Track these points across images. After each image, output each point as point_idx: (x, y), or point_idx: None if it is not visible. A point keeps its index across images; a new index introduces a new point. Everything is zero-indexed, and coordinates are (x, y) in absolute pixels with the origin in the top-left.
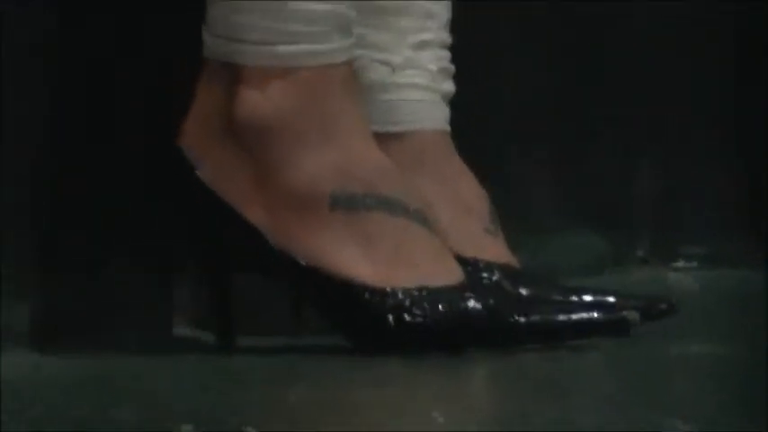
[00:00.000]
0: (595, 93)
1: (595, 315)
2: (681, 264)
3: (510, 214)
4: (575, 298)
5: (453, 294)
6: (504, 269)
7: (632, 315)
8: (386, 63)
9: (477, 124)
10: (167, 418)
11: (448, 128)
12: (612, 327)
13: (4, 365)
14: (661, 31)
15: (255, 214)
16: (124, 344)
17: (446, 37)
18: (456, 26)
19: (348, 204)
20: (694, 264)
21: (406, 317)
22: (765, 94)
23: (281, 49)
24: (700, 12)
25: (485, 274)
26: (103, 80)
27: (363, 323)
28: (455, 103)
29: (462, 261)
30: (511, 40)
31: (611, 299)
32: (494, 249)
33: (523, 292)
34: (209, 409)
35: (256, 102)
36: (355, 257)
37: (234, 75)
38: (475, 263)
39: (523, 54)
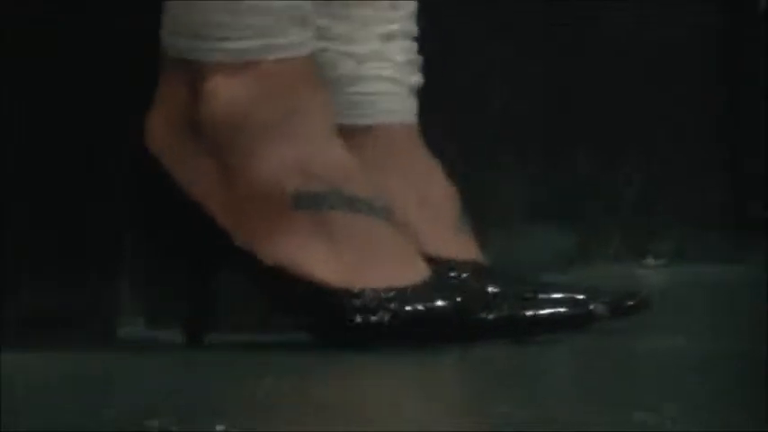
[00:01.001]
0: (569, 91)
1: (563, 310)
2: (650, 260)
3: (479, 211)
4: (543, 295)
5: (420, 293)
6: (472, 266)
7: (599, 308)
8: (351, 55)
9: (449, 122)
10: (137, 415)
11: (415, 121)
12: (580, 321)
13: None
14: (649, 32)
15: (220, 213)
16: (93, 342)
17: (412, 28)
18: (433, 21)
19: (311, 203)
20: (663, 260)
21: (373, 317)
22: (759, 95)
23: (238, 44)
24: (684, 12)
25: (452, 273)
26: (69, 79)
27: (330, 324)
28: (428, 101)
29: (430, 260)
30: (490, 40)
31: (580, 295)
32: (462, 247)
33: (491, 289)
34: (179, 405)
35: (217, 98)
36: (320, 257)
37: (194, 72)
38: (443, 261)
39: (500, 54)
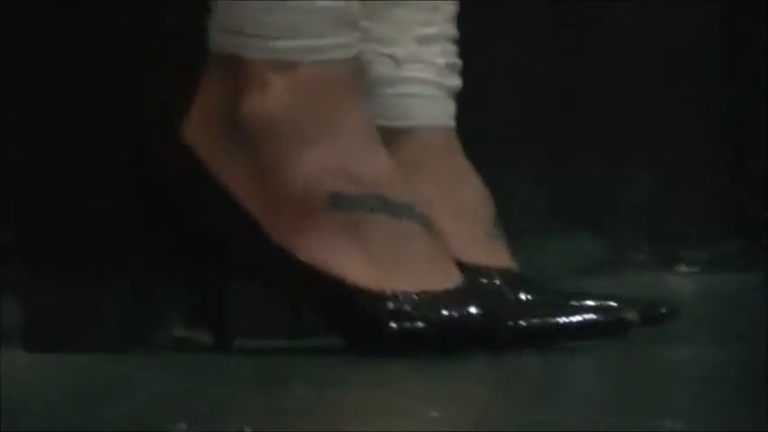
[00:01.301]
0: (593, 96)
1: (595, 317)
2: (680, 268)
3: (507, 218)
4: (575, 302)
5: (453, 298)
6: (505, 274)
7: (632, 315)
8: (391, 57)
9: (471, 128)
10: (163, 418)
11: (452, 124)
12: (612, 328)
13: None
14: (652, 33)
15: (257, 210)
16: (120, 344)
17: (452, 31)
18: None
19: (349, 205)
20: (694, 268)
21: (406, 321)
22: (761, 96)
23: (282, 43)
24: (689, 13)
25: (484, 280)
26: (95, 73)
27: (362, 326)
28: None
29: (461, 266)
30: (503, 45)
31: (612, 303)
32: (495, 254)
33: (523, 297)
34: (206, 409)
35: (259, 97)
36: (355, 260)
37: (238, 69)
38: (475, 268)
39: (516, 59)
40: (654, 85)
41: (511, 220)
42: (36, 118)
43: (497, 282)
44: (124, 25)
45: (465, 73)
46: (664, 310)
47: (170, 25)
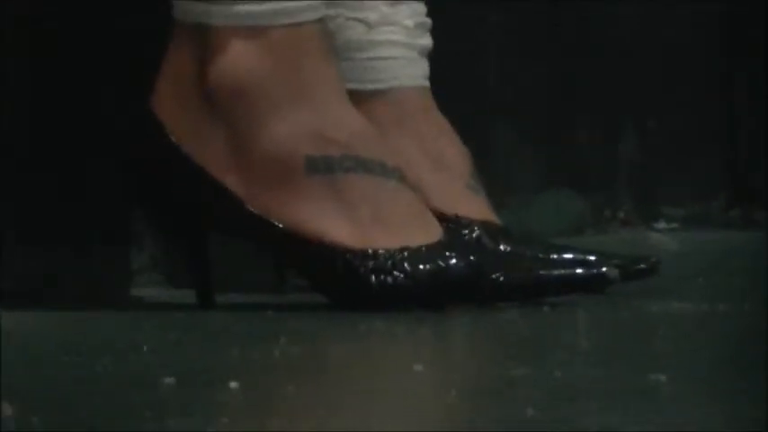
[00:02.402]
0: (579, 60)
1: (576, 271)
2: (661, 225)
3: (493, 176)
4: (555, 255)
5: (434, 253)
6: (485, 226)
7: (612, 271)
8: (361, 21)
9: (462, 91)
10: (152, 373)
11: (427, 84)
12: (592, 283)
13: None
14: (643, 4)
15: (232, 179)
16: (109, 303)
17: None
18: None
19: (325, 167)
20: (674, 225)
21: (388, 278)
22: (744, 62)
23: (248, 7)
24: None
25: (465, 231)
26: (71, 43)
27: (344, 284)
28: (441, 72)
29: (443, 218)
30: (496, 14)
31: (592, 257)
32: (475, 206)
33: (504, 248)
34: (191, 363)
35: (228, 64)
36: (334, 220)
37: (205, 37)
38: (456, 219)
39: (509, 27)
40: (644, 52)
41: (501, 179)
42: (35, 116)
43: (478, 233)
44: (124, 25)
45: (463, 39)
46: (643, 266)
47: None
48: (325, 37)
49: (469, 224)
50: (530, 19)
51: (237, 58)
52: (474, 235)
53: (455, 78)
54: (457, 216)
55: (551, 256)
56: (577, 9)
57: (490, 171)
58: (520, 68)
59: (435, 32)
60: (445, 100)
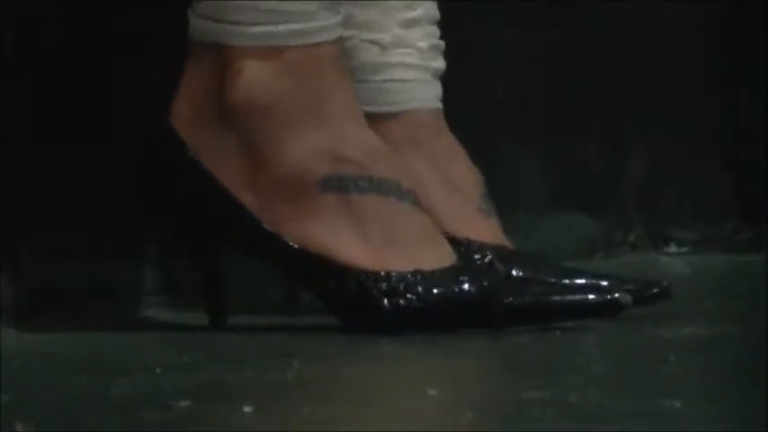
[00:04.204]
0: (588, 78)
1: (588, 297)
2: (672, 248)
3: (503, 198)
4: (567, 281)
5: (447, 277)
6: (497, 250)
7: (624, 297)
8: (375, 42)
9: (471, 109)
10: (166, 394)
11: (440, 106)
12: (605, 309)
13: None
14: (649, 19)
15: (247, 197)
16: (122, 323)
17: (434, 12)
18: (450, 14)
19: (340, 187)
20: (685, 249)
21: (401, 301)
22: (755, 79)
23: (266, 29)
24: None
25: (477, 255)
26: (90, 60)
27: (357, 306)
28: (449, 89)
29: (455, 242)
30: (504, 29)
31: (604, 282)
32: (486, 230)
33: (516, 273)
34: (203, 385)
35: (245, 83)
36: (348, 241)
37: (222, 55)
38: (467, 243)
39: (516, 42)
40: (653, 72)
41: (510, 201)
42: (18, 94)
43: (490, 258)
44: (124, 25)
45: (467, 55)
46: (656, 290)
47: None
48: (341, 57)
49: (481, 248)
50: (533, 34)
51: (255, 78)
52: (486, 260)
53: (463, 96)
54: (468, 240)
55: (564, 281)
56: (578, 9)
57: (498, 191)
58: (526, 81)
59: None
60: (452, 118)
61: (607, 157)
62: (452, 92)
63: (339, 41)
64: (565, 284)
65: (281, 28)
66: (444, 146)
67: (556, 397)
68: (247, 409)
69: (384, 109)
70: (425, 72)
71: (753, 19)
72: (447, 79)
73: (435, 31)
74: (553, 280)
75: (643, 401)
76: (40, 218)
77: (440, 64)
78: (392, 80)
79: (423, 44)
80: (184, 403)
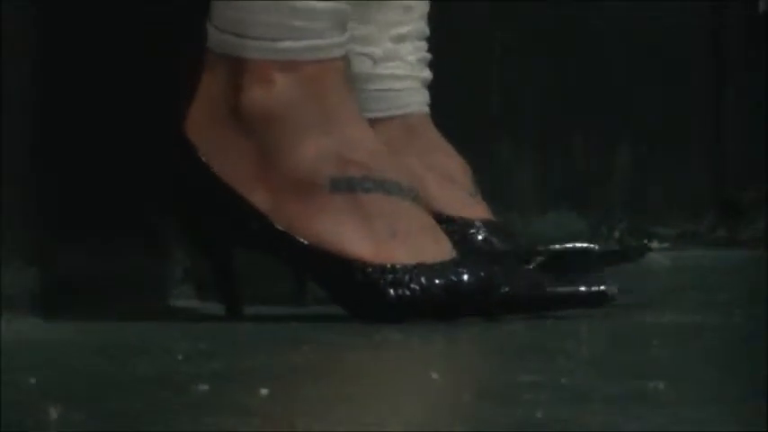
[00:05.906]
0: (576, 80)
1: (579, 288)
2: (655, 244)
3: (493, 195)
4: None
5: (447, 268)
6: (488, 224)
7: (611, 289)
8: (368, 56)
9: (464, 111)
10: (185, 379)
11: (427, 110)
12: (593, 299)
13: (15, 330)
14: (638, 22)
15: (259, 198)
16: (140, 312)
17: (424, 28)
18: (444, 15)
19: (346, 186)
20: (666, 244)
21: (406, 291)
22: (735, 81)
23: (285, 44)
24: (676, 3)
25: (471, 230)
26: (108, 65)
27: (364, 297)
28: (443, 92)
29: (450, 220)
30: (497, 30)
31: (583, 244)
32: (477, 209)
33: (494, 241)
34: (221, 369)
35: (260, 93)
36: (356, 236)
37: (238, 66)
38: (462, 220)
39: (509, 44)
40: (638, 72)
41: (502, 199)
42: (39, 91)
43: (484, 232)
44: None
45: (463, 59)
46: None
47: (175, 23)
48: (347, 70)
49: (474, 224)
50: (524, 36)
51: (270, 88)
52: (479, 236)
53: (455, 97)
54: (462, 218)
55: (554, 274)
56: (566, 11)
57: (489, 189)
58: (518, 82)
59: (438, 48)
60: (445, 119)
61: (594, 157)
62: (445, 94)
63: (346, 56)
64: (557, 276)
65: (297, 44)
66: (434, 142)
67: (548, 380)
68: (264, 391)
69: (376, 114)
70: (414, 81)
71: (734, 21)
72: (439, 82)
73: (423, 45)
74: (540, 258)
75: (630, 383)
76: (69, 210)
77: (427, 74)
78: (383, 90)
79: (411, 58)
80: (203, 387)
